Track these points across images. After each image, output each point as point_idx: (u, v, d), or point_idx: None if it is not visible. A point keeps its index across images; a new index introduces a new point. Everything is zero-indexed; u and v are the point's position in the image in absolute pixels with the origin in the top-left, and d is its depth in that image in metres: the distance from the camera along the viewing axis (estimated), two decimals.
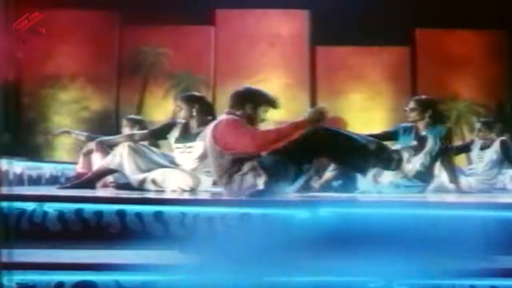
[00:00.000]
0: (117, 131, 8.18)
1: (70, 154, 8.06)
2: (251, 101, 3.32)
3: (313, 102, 8.23)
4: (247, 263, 2.47)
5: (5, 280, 2.34)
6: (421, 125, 4.65)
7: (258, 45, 8.48)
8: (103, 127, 8.12)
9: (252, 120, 3.32)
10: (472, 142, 5.63)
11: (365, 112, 8.27)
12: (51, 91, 8.25)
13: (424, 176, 4.51)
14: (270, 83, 8.32)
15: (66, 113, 8.24)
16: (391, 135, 4.84)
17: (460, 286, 2.44)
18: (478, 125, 5.60)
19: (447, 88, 8.29)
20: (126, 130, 5.24)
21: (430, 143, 4.54)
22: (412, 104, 4.69)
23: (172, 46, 8.40)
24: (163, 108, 8.32)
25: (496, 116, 7.50)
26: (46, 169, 5.83)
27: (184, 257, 2.58)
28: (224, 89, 8.27)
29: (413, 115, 4.67)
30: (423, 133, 4.62)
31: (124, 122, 5.42)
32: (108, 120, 8.23)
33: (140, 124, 5.38)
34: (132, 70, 8.39)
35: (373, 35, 7.71)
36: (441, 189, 4.74)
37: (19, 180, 5.14)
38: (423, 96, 4.92)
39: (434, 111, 4.65)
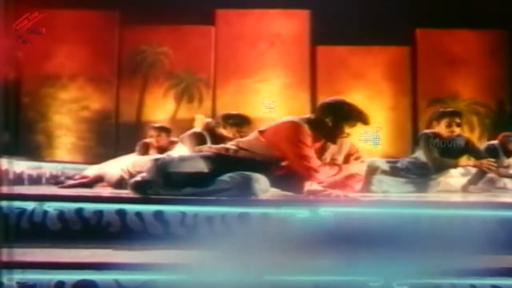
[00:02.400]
0: (116, 130, 8.20)
1: (71, 153, 8.07)
2: (334, 114, 3.28)
3: (313, 102, 8.21)
4: (247, 263, 2.46)
5: (5, 279, 2.33)
6: None
7: (258, 45, 8.47)
8: (103, 127, 8.13)
9: (329, 132, 3.30)
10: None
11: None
12: (51, 90, 8.24)
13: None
14: (270, 82, 8.34)
15: (66, 112, 8.23)
16: None
17: (460, 286, 2.44)
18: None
19: (447, 87, 8.28)
20: (153, 138, 5.39)
21: None
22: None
23: (172, 46, 8.39)
24: (163, 108, 8.32)
25: (496, 116, 7.48)
26: (46, 168, 5.84)
27: (184, 257, 2.57)
28: (224, 89, 8.29)
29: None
30: None
31: (152, 132, 5.52)
32: (108, 119, 8.22)
33: (167, 131, 5.50)
34: (132, 70, 8.37)
35: (373, 35, 7.70)
36: (446, 189, 4.73)
37: (19, 179, 5.15)
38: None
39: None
